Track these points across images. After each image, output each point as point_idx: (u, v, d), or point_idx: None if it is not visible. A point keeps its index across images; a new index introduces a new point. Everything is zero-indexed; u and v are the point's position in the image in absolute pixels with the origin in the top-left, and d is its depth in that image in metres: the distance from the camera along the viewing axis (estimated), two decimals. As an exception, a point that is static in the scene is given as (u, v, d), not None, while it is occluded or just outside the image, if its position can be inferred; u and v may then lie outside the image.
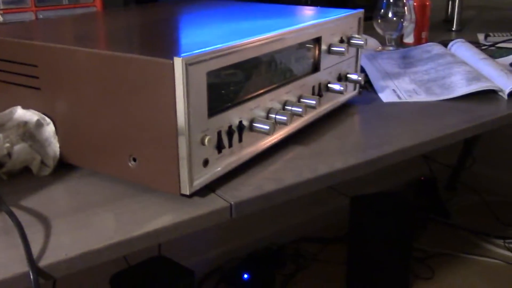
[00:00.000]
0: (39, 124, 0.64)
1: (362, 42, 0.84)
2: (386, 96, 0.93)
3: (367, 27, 1.25)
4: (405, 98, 0.92)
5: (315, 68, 0.78)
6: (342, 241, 1.77)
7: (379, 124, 0.83)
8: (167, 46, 0.63)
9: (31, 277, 0.46)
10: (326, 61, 0.79)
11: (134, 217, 0.55)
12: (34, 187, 0.61)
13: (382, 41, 1.26)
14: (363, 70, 1.02)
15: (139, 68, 0.55)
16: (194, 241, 1.67)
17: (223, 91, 0.60)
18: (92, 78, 0.59)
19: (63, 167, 0.65)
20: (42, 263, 0.47)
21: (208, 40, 0.63)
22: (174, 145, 0.55)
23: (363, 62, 1.06)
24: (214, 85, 0.58)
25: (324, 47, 0.78)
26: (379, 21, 1.23)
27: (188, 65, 0.53)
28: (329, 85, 0.81)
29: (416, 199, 1.95)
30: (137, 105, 0.57)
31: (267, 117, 0.68)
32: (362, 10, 0.86)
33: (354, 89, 0.90)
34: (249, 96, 0.65)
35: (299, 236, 1.84)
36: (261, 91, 0.67)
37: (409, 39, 1.31)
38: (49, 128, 0.64)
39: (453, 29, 1.52)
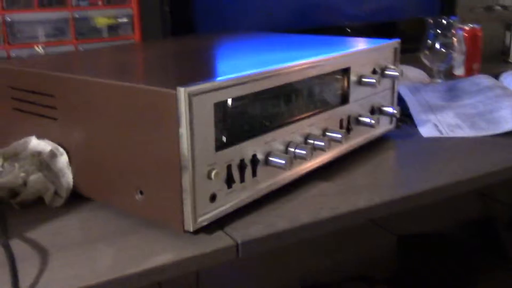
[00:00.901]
0: (53, 155, 0.63)
1: (397, 74, 0.79)
2: (426, 131, 0.87)
3: (415, 58, 1.20)
4: (447, 133, 0.86)
5: (344, 100, 0.74)
6: (389, 283, 1.67)
7: (414, 160, 0.77)
8: (181, 77, 0.62)
9: (16, 314, 0.44)
10: (357, 93, 0.75)
11: (134, 253, 0.53)
12: (43, 218, 0.60)
13: (431, 73, 1.20)
14: (403, 103, 0.97)
15: (144, 98, 0.53)
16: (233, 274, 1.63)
17: (235, 123, 0.58)
18: (102, 108, 0.58)
19: (76, 198, 0.64)
20: (32, 300, 0.46)
21: (227, 70, 0.61)
22: (177, 179, 0.52)
23: (405, 94, 1.01)
24: (224, 116, 0.56)
25: (354, 78, 0.74)
26: (426, 52, 1.18)
27: (191, 95, 0.50)
28: (359, 118, 0.76)
29: (472, 240, 1.83)
30: (143, 136, 0.55)
31: (286, 151, 0.64)
32: (398, 40, 0.82)
33: (391, 122, 0.84)
34: (266, 129, 0.61)
35: (342, 274, 1.75)
36: (280, 123, 0.63)
37: (459, 71, 1.24)
38: (63, 159, 0.64)
39: (509, 60, 1.44)
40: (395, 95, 0.84)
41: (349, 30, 1.40)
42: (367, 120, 0.76)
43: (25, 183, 0.63)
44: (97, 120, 0.59)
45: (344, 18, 1.41)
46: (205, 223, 0.55)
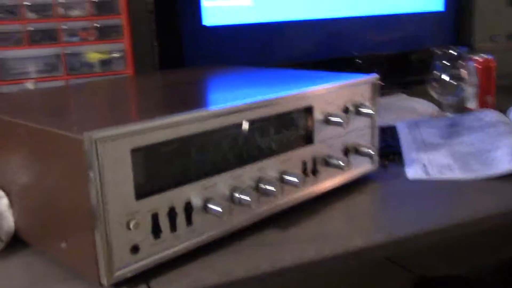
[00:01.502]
0: (-9, 197, 0.62)
1: (372, 112, 0.74)
2: (412, 172, 0.81)
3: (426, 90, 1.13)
4: (435, 174, 0.79)
5: (308, 140, 0.69)
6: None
7: (390, 204, 0.71)
8: (105, 119, 0.59)
9: None
10: (324, 133, 0.70)
11: (45, 308, 0.50)
12: (-23, 263, 0.59)
13: (442, 106, 1.13)
14: (395, 140, 0.91)
15: (53, 143, 0.51)
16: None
17: (161, 169, 0.54)
18: (24, 151, 0.56)
19: (19, 242, 0.62)
20: None
21: (166, 110, 0.58)
22: (90, 229, 0.49)
23: (401, 131, 0.95)
24: (146, 162, 0.52)
25: (319, 117, 0.69)
26: (434, 84, 1.11)
27: (98, 142, 0.48)
28: (328, 159, 0.71)
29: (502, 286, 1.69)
30: (59, 183, 0.52)
31: (231, 197, 0.60)
32: (375, 76, 0.76)
33: (372, 162, 0.79)
34: (204, 174, 0.58)
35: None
36: (224, 167, 0.59)
37: (472, 104, 1.16)
38: (3, 201, 0.62)
39: (532, 92, 1.33)
40: (375, 133, 0.78)
41: (359, 61, 1.35)
42: (335, 162, 0.71)
43: (-32, 226, 0.62)
44: (22, 164, 0.57)
45: (354, 48, 1.36)
46: (126, 276, 0.52)
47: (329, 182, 0.72)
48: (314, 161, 0.70)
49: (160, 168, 0.54)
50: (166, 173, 0.55)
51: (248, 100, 0.61)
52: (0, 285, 0.55)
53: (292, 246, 0.60)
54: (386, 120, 1.00)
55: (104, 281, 0.50)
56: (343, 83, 0.72)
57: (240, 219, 0.61)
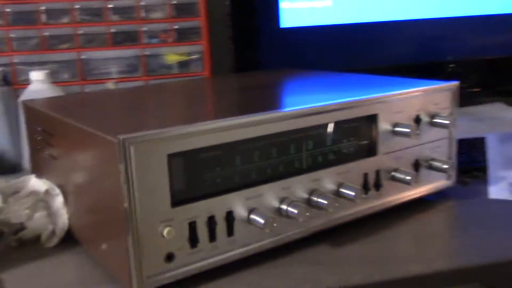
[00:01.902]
0: (48, 194, 0.63)
1: (447, 122, 0.67)
2: (495, 191, 0.72)
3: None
4: (522, 195, 0.70)
5: (371, 151, 0.64)
6: None
7: (462, 226, 0.64)
8: (159, 120, 0.58)
9: None
10: (390, 144, 0.65)
11: (77, 309, 0.49)
12: (31, 257, 0.60)
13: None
14: (483, 155, 0.82)
15: (96, 144, 0.51)
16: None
17: (202, 176, 0.52)
18: (74, 151, 0.57)
19: (71, 239, 0.63)
20: None
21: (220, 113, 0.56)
22: (124, 234, 0.48)
23: (491, 145, 0.86)
24: (185, 169, 0.51)
25: (385, 126, 0.64)
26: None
27: (131, 144, 0.46)
28: (393, 173, 0.65)
29: None
30: (100, 185, 0.52)
31: (279, 209, 0.56)
32: (455, 83, 0.69)
33: (448, 178, 0.71)
34: (250, 183, 0.55)
35: None
36: (273, 176, 0.56)
37: None
38: (59, 199, 0.63)
39: None
40: (453, 146, 0.71)
41: (452, 66, 1.25)
42: (401, 176, 0.65)
43: (27, 221, 0.64)
44: (73, 164, 0.58)
45: (449, 52, 1.26)
46: (158, 284, 0.50)
47: (394, 197, 0.66)
48: (378, 174, 0.64)
49: (199, 175, 0.52)
50: (207, 181, 0.52)
51: (302, 107, 0.57)
52: (45, 279, 0.55)
53: (341, 266, 0.55)
54: (475, 131, 0.92)
55: (135, 287, 0.49)
56: (414, 90, 0.66)
57: (288, 233, 0.57)
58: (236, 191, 0.54)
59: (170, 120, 0.59)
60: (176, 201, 0.50)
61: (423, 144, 0.68)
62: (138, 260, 0.48)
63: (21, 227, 0.64)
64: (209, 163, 0.52)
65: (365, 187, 0.63)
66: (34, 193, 0.64)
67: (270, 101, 0.67)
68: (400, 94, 0.64)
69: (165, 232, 0.49)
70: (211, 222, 0.52)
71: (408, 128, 0.63)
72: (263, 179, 0.56)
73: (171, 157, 0.49)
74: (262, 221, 0.53)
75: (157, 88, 0.88)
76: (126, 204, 0.47)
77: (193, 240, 0.52)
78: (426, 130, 0.67)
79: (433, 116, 0.68)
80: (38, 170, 0.70)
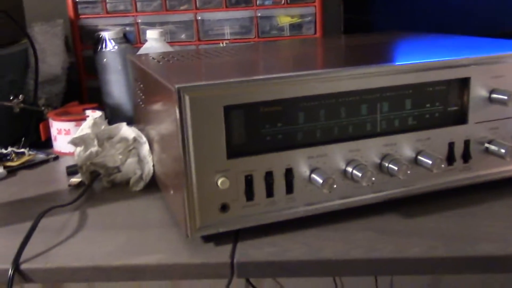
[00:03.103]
0: (137, 142, 0.68)
1: (560, 91, 0.58)
2: None
3: None
4: None
5: (460, 119, 0.58)
6: None
7: None
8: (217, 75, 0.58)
9: (8, 274, 0.49)
10: (486, 112, 0.58)
11: (137, 247, 0.53)
12: (116, 198, 0.65)
13: None
14: None
15: (163, 94, 0.53)
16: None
17: (261, 131, 0.52)
18: (155, 102, 0.60)
19: (153, 185, 0.67)
20: (26, 266, 0.51)
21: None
22: (181, 181, 0.50)
23: None
24: (242, 122, 0.51)
25: (479, 92, 0.57)
26: None
27: (187, 94, 0.47)
28: (486, 145, 0.59)
29: None
30: (167, 132, 0.54)
31: (344, 171, 0.54)
32: None
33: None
34: (313, 141, 0.53)
35: None
36: (342, 137, 0.54)
37: None
38: (145, 147, 0.68)
39: None
40: None
41: None
42: (496, 149, 0.58)
43: (121, 165, 0.70)
44: (154, 114, 0.61)
45: None
46: (211, 232, 0.52)
47: (485, 172, 0.59)
48: (467, 145, 0.58)
49: (259, 129, 0.52)
50: (267, 135, 0.52)
51: (382, 65, 0.54)
52: (119, 217, 0.60)
53: (403, 237, 0.51)
54: None
55: (188, 233, 0.51)
56: (519, 52, 0.58)
57: (355, 197, 0.55)
58: (297, 148, 0.53)
59: (248, 74, 0.59)
60: (233, 153, 0.50)
61: (530, 115, 0.60)
62: (192, 207, 0.50)
63: (117, 171, 0.70)
64: (270, 118, 0.52)
65: (450, 158, 0.58)
66: (124, 139, 0.68)
67: (349, 59, 0.64)
68: (500, 57, 0.57)
69: (219, 182, 0.50)
70: (268, 177, 0.52)
71: (506, 95, 0.56)
72: (329, 139, 0.54)
73: (228, 109, 0.49)
74: (320, 180, 0.52)
75: (256, 47, 0.88)
76: (181, 152, 0.49)
77: (249, 193, 0.52)
78: (534, 100, 0.59)
79: (543, 83, 0.59)
80: (137, 120, 0.75)
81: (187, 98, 0.48)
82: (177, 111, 0.48)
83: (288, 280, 1.18)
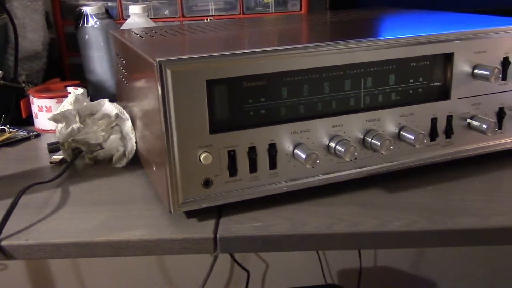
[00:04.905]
0: (118, 118, 0.67)
1: (540, 67, 0.58)
2: None
3: None
4: None
5: (443, 94, 0.58)
6: None
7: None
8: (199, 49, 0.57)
9: (-11, 251, 0.49)
10: (468, 88, 0.58)
11: (120, 223, 0.52)
12: (98, 175, 0.65)
13: None
14: None
15: (145, 68, 0.52)
16: None
17: (244, 106, 0.51)
18: (136, 78, 0.59)
19: (136, 162, 0.67)
20: (7, 242, 0.50)
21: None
22: (164, 157, 0.50)
23: None
24: (225, 96, 0.50)
25: (462, 67, 0.57)
26: None
27: (169, 68, 0.47)
28: (468, 120, 0.59)
29: None
30: (149, 107, 0.54)
31: (327, 146, 0.54)
32: (558, 21, 0.60)
33: (541, 132, 0.63)
34: (294, 116, 0.53)
35: None
36: (325, 112, 0.54)
37: None
38: (128, 124, 0.67)
39: None
40: (550, 96, 0.62)
41: None
42: (477, 124, 0.59)
43: (103, 142, 0.69)
44: (136, 90, 0.60)
45: None
46: (193, 208, 0.51)
47: (467, 147, 0.60)
48: (450, 120, 0.59)
49: (242, 104, 0.51)
50: (249, 110, 0.52)
51: (366, 40, 0.53)
52: (102, 194, 0.59)
53: (385, 211, 0.52)
54: None
55: (171, 208, 0.51)
56: (503, 29, 0.58)
57: (338, 173, 0.55)
58: (281, 123, 0.52)
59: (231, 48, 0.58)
60: (215, 128, 0.50)
61: (510, 91, 0.60)
62: (175, 182, 0.50)
63: (99, 148, 0.69)
64: (253, 92, 0.51)
65: (433, 134, 0.58)
66: (107, 116, 0.68)
67: (333, 34, 0.64)
68: (484, 32, 0.57)
69: (202, 157, 0.50)
70: (251, 152, 0.52)
71: (489, 71, 0.56)
72: (312, 114, 0.54)
73: (210, 83, 0.49)
74: (304, 155, 0.52)
75: (241, 23, 0.87)
76: (163, 127, 0.48)
77: (232, 168, 0.52)
78: (517, 75, 0.60)
79: (523, 59, 0.59)
80: (120, 97, 0.74)
81: (168, 72, 0.47)
82: (159, 86, 0.47)
83: (273, 257, 1.19)
